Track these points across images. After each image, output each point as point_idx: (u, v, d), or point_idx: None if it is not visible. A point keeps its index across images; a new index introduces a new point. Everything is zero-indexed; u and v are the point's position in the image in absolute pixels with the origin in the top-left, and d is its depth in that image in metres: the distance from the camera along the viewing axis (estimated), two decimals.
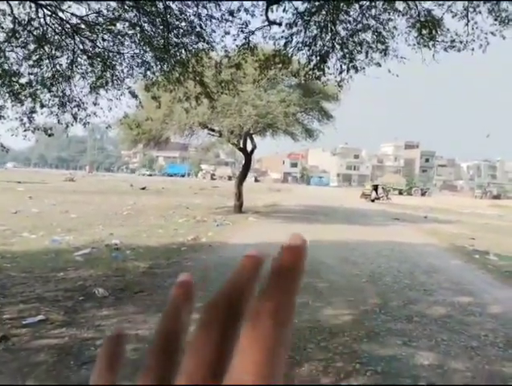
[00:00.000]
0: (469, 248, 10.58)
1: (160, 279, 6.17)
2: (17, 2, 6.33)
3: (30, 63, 6.81)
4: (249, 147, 18.11)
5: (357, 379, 3.30)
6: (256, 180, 61.81)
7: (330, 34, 6.92)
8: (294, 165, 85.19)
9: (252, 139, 17.94)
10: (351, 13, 6.83)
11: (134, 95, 7.60)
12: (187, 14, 6.50)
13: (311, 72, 7.33)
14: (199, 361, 0.24)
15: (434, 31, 6.69)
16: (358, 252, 9.21)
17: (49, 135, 7.60)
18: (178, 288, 0.29)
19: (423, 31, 6.75)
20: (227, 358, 0.24)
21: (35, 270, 6.20)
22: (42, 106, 7.19)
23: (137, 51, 7.07)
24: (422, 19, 6.63)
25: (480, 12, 6.47)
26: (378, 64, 7.05)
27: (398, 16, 6.75)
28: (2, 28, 6.44)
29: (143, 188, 31.09)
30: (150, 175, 73.40)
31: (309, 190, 48.12)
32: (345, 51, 7.03)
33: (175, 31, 6.58)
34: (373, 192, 32.52)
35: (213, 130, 16.85)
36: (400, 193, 50.79)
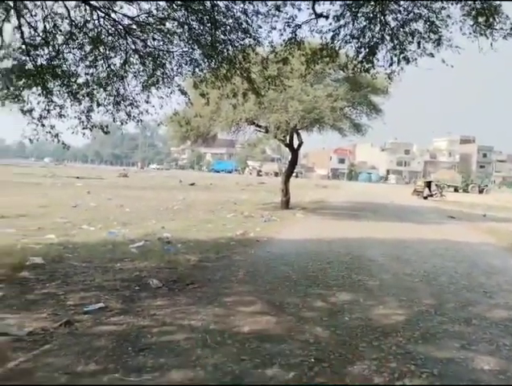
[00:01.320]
0: None
1: (210, 272, 6.31)
2: (73, 5, 6.65)
3: (87, 63, 7.09)
4: (295, 143, 17.99)
5: (412, 381, 3.19)
6: (297, 176, 60.74)
7: (379, 25, 6.67)
8: (341, 161, 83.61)
9: (298, 135, 17.81)
10: (401, 2, 6.55)
11: (183, 92, 7.73)
12: (234, 10, 6.54)
13: (359, 65, 7.11)
14: None
15: (491, 19, 6.26)
16: (411, 251, 8.89)
17: (105, 133, 7.89)
18: None
19: (480, 19, 6.32)
20: None
21: (94, 260, 6.57)
22: (98, 105, 7.46)
23: (185, 49, 7.17)
24: (478, 6, 6.23)
25: None
26: (431, 55, 6.71)
27: (452, 4, 6.38)
28: (61, 31, 6.76)
29: (192, 184, 31.93)
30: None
31: (357, 187, 47.08)
32: (396, 42, 6.76)
33: (222, 28, 6.62)
34: (426, 189, 31.24)
35: (260, 126, 16.90)
36: (455, 190, 48.29)
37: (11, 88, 6.76)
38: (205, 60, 7.18)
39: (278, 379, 3.10)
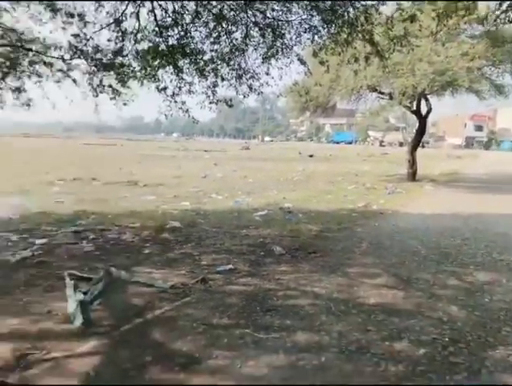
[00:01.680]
0: None
1: (332, 242, 6.27)
2: None
3: (211, 40, 7.40)
4: (423, 109, 16.47)
5: None
6: (423, 146, 55.41)
7: None
8: (478, 128, 74.24)
9: (427, 100, 16.23)
10: None
11: (302, 62, 7.62)
12: None
13: (502, 16, 6.06)
14: None
15: None
16: None
17: (229, 106, 8.26)
18: None
19: None
20: None
21: (223, 226, 7.08)
22: (222, 80, 7.79)
23: (304, 16, 6.99)
24: None
25: None
26: None
27: None
28: (188, 11, 7.16)
29: (311, 155, 31.85)
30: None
31: (499, 157, 41.36)
32: None
33: None
34: None
35: (383, 93, 15.82)
36: None
37: (148, 69, 7.47)
38: (325, 26, 6.92)
39: (408, 353, 2.96)
